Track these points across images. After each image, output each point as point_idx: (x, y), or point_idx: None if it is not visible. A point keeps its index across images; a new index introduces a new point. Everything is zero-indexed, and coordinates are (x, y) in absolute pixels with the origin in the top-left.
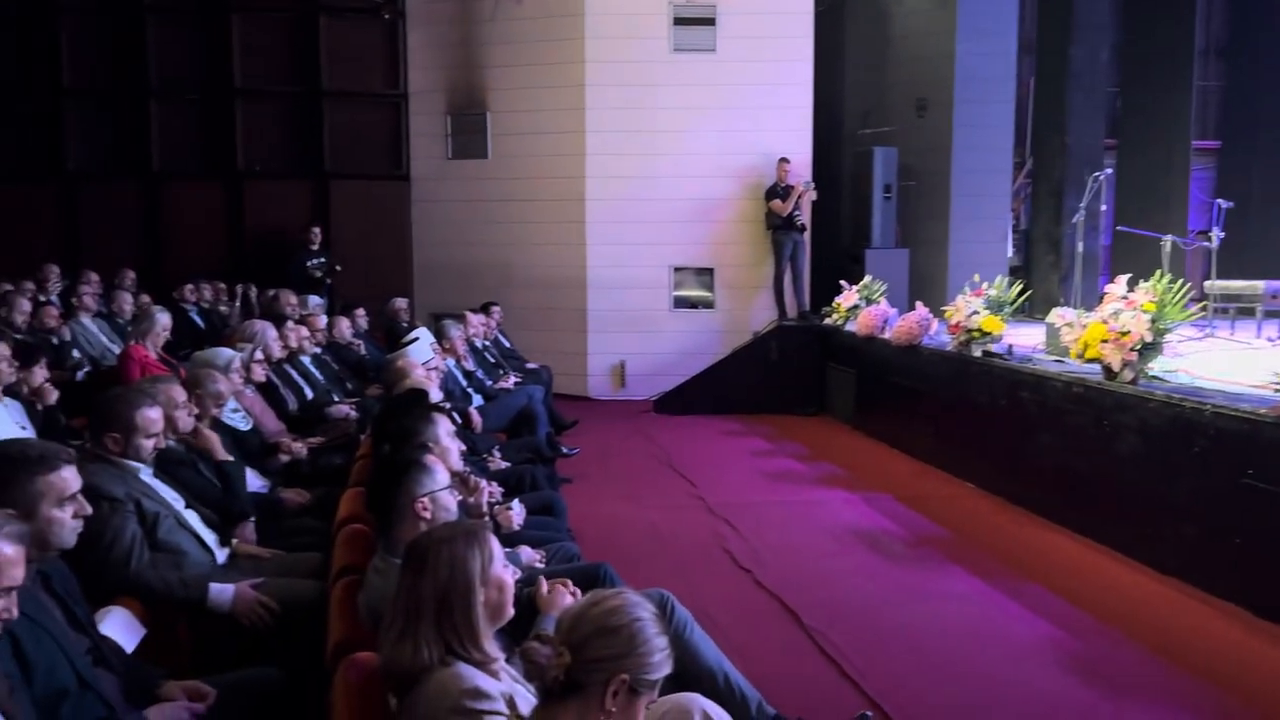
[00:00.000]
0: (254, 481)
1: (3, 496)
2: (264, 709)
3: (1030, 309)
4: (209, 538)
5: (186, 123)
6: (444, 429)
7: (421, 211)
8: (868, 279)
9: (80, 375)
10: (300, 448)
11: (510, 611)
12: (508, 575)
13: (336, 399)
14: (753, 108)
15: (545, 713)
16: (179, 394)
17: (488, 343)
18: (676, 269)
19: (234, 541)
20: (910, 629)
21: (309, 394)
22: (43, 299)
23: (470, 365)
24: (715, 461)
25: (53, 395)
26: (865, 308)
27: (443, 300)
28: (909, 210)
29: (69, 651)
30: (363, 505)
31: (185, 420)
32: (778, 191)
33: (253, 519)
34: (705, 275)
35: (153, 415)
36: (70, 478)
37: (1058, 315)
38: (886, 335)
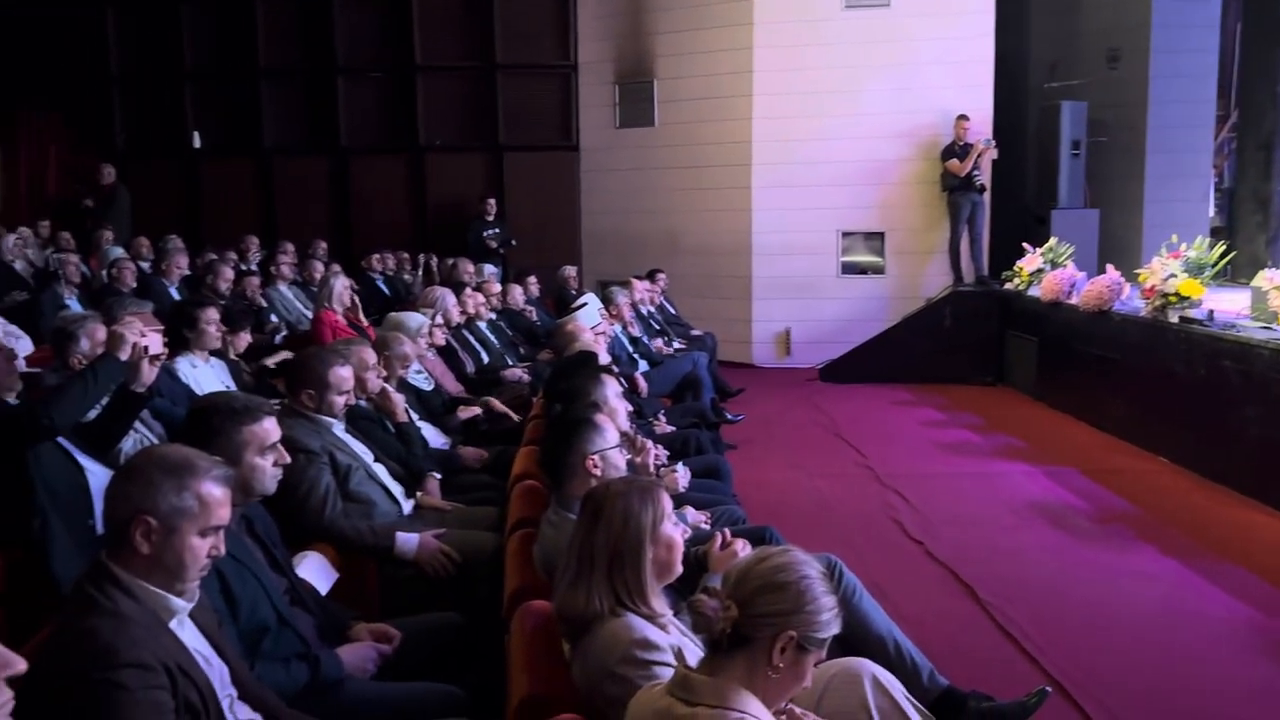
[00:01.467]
0: (435, 439)
1: (211, 444)
2: (446, 652)
3: (1233, 272)
4: (396, 490)
5: (371, 99)
6: (612, 390)
7: (590, 181)
8: (1053, 241)
9: (278, 339)
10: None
11: (678, 570)
12: (677, 534)
13: (510, 363)
14: (929, 63)
15: (713, 665)
16: (369, 356)
17: (653, 309)
18: (845, 234)
19: (418, 495)
20: (1097, 608)
21: (485, 358)
22: (244, 268)
23: (636, 331)
24: (884, 431)
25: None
26: (1050, 272)
27: (610, 268)
28: (1099, 168)
29: (270, 590)
30: (535, 463)
31: (374, 382)
32: (955, 150)
33: (437, 475)
34: (875, 240)
35: (344, 373)
36: (271, 428)
37: (1265, 278)
38: (1073, 300)
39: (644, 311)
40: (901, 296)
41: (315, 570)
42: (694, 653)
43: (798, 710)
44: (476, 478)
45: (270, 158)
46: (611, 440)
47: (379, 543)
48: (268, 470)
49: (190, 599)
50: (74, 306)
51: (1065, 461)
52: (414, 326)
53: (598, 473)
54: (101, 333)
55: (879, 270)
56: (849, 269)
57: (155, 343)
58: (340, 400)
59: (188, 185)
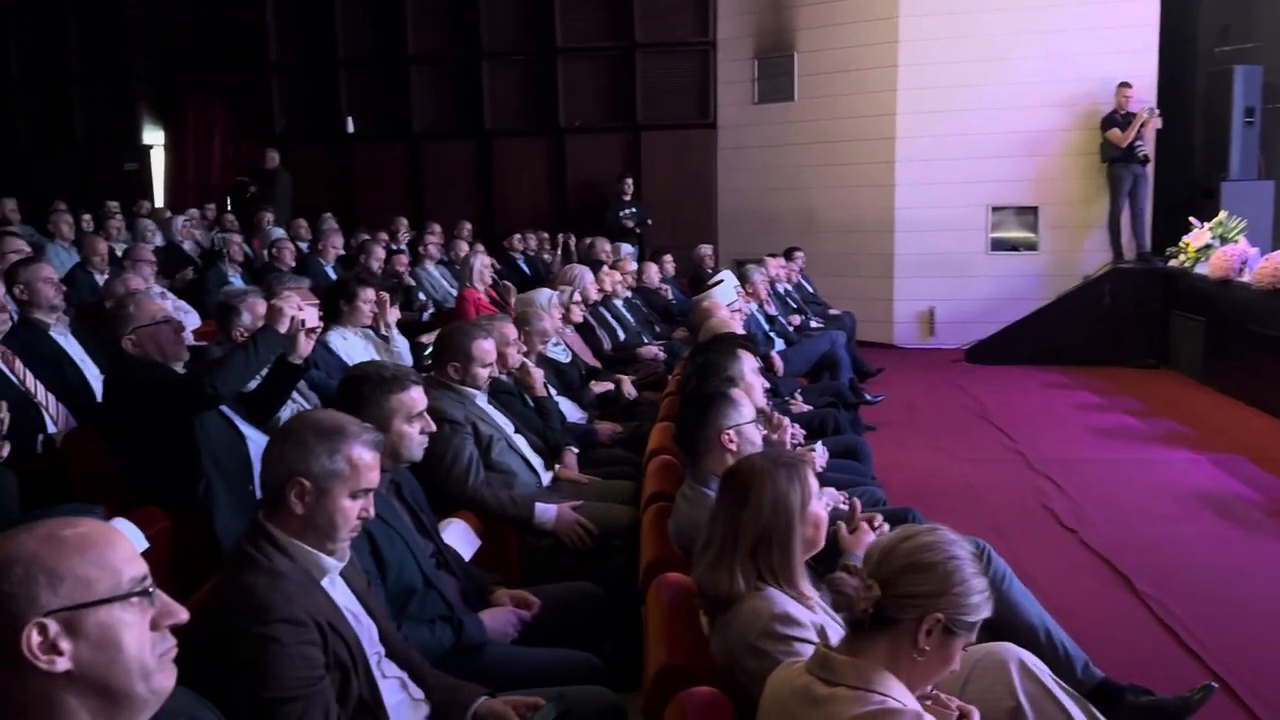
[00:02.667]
0: (573, 413)
1: (361, 411)
2: (583, 621)
3: None
4: (536, 462)
5: (513, 83)
6: (748, 365)
7: (727, 159)
8: (1223, 215)
9: (425, 316)
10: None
11: (821, 544)
12: (823, 510)
13: (646, 340)
14: (1089, 28)
15: (854, 645)
16: (511, 332)
17: (790, 287)
18: (995, 209)
19: (556, 467)
20: (1266, 603)
21: (621, 335)
22: (394, 248)
23: (772, 309)
24: (1035, 414)
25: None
26: (1219, 247)
27: (746, 247)
28: (1275, 137)
29: (417, 554)
30: (671, 438)
31: (515, 356)
32: (1116, 120)
33: (574, 449)
34: (1027, 215)
35: (487, 346)
36: (418, 396)
37: None
38: (1245, 278)
39: (781, 290)
40: (1056, 274)
41: (459, 536)
42: (837, 631)
43: (943, 695)
44: (612, 452)
45: (419, 141)
46: (747, 415)
47: (519, 512)
48: (414, 437)
49: (341, 559)
50: (237, 284)
51: (1233, 449)
52: (541, 301)
53: (733, 448)
54: (262, 307)
55: (1031, 246)
56: (999, 245)
57: (311, 316)
58: (484, 372)
59: (341, 169)
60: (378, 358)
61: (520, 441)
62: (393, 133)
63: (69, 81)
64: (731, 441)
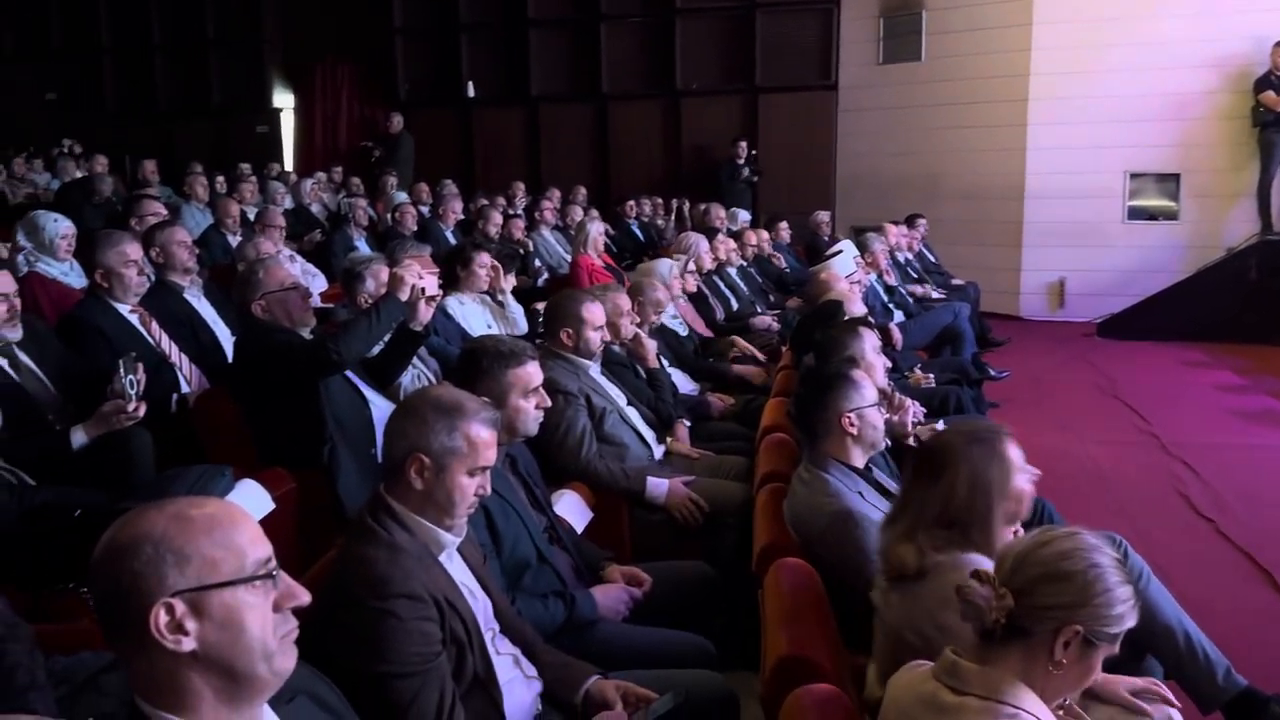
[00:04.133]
0: (685, 385)
1: (478, 385)
2: (695, 601)
3: None
4: (648, 435)
5: (631, 45)
6: (869, 343)
7: (847, 121)
8: None
9: (540, 282)
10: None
11: (1024, 516)
12: (1027, 483)
13: (759, 310)
14: None
15: (984, 654)
16: (624, 301)
17: (911, 256)
18: (1133, 175)
19: (668, 440)
20: None
21: (734, 305)
22: (511, 213)
23: (892, 280)
24: (1172, 394)
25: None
26: None
27: (865, 213)
28: None
29: (531, 528)
30: (784, 415)
31: (628, 327)
32: (1272, 82)
33: (686, 422)
34: (1168, 182)
35: (596, 309)
36: (534, 372)
37: None
38: None
39: (901, 259)
40: (1198, 245)
41: (572, 509)
42: None
43: (1076, 707)
44: (724, 426)
45: (537, 105)
46: (870, 398)
47: (631, 486)
48: (530, 412)
49: (459, 534)
50: (362, 247)
51: None
52: (664, 273)
53: (854, 431)
54: (385, 274)
55: (1172, 215)
56: (1136, 214)
57: (431, 284)
58: (595, 336)
59: (461, 133)
60: (494, 324)
61: (633, 414)
62: (512, 97)
63: (206, 47)
64: (852, 425)
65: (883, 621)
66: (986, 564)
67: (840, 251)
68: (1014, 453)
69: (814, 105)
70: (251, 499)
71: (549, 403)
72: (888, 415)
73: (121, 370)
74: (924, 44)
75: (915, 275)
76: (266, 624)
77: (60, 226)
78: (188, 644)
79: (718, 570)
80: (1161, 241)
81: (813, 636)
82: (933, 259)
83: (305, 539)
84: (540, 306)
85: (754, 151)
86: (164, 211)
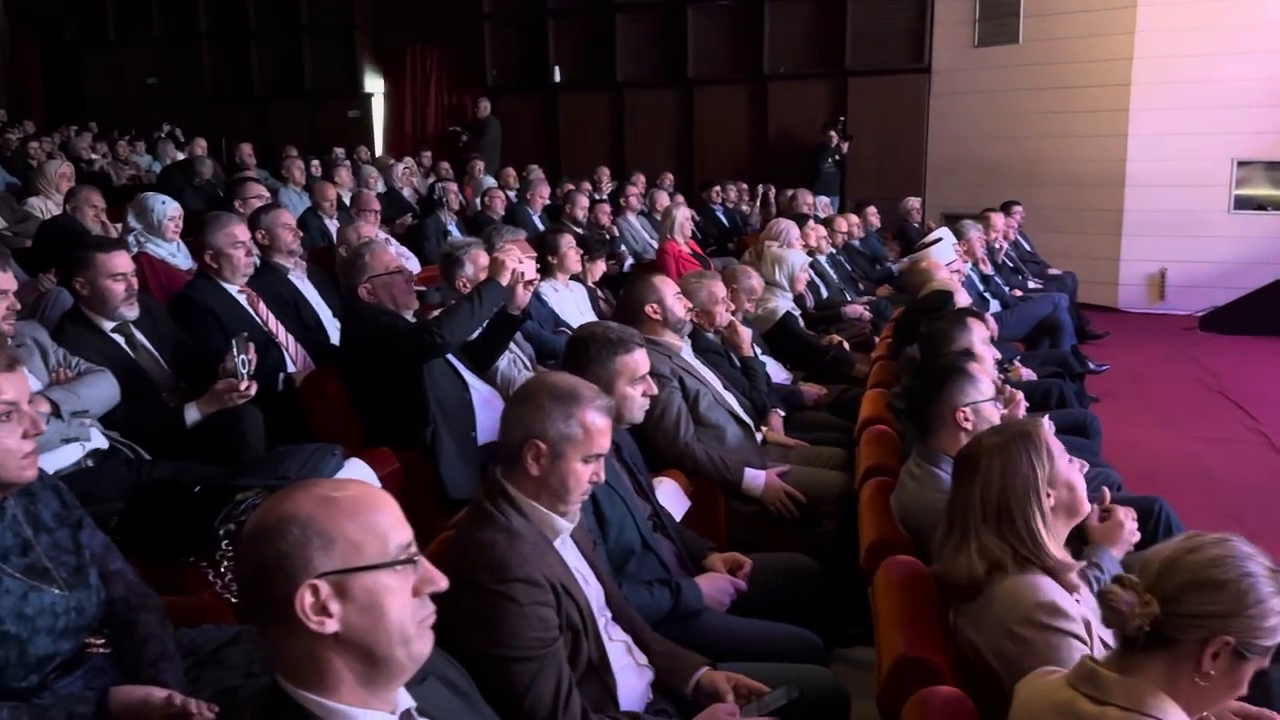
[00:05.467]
0: (778, 374)
1: (586, 371)
2: (796, 593)
3: None
4: (746, 418)
5: (718, 29)
6: (979, 335)
7: (939, 105)
8: None
9: (626, 267)
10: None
11: (1086, 509)
12: (1075, 471)
13: (849, 298)
14: None
15: (1125, 662)
16: (719, 289)
17: (1006, 245)
18: (1241, 163)
19: (764, 429)
20: None
21: (824, 293)
22: (597, 198)
23: (988, 269)
24: None
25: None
26: None
27: (956, 199)
28: None
29: (636, 515)
30: (885, 406)
31: (723, 314)
32: None
33: (781, 411)
34: (1277, 170)
35: (669, 281)
36: (642, 359)
37: None
38: None
39: (996, 247)
40: None
41: (670, 497)
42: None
43: None
44: (818, 416)
45: (622, 90)
46: (986, 392)
47: (728, 475)
48: (637, 400)
49: (573, 520)
50: (454, 231)
51: None
52: (797, 264)
53: (969, 426)
54: (484, 258)
55: None
56: (1244, 203)
57: (530, 268)
58: (679, 305)
59: (547, 118)
60: (588, 308)
61: (729, 397)
62: (597, 82)
63: (300, 32)
64: (967, 420)
65: (962, 640)
66: (1055, 592)
67: (939, 239)
68: (1052, 441)
69: (905, 89)
70: (359, 478)
71: (655, 390)
72: (1003, 410)
73: (234, 350)
74: (1021, 26)
75: (1012, 264)
76: (406, 608)
77: (168, 208)
78: (331, 626)
79: (821, 564)
80: (1269, 232)
81: (929, 637)
82: (1028, 247)
83: (408, 519)
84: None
85: (849, 138)
86: (266, 194)
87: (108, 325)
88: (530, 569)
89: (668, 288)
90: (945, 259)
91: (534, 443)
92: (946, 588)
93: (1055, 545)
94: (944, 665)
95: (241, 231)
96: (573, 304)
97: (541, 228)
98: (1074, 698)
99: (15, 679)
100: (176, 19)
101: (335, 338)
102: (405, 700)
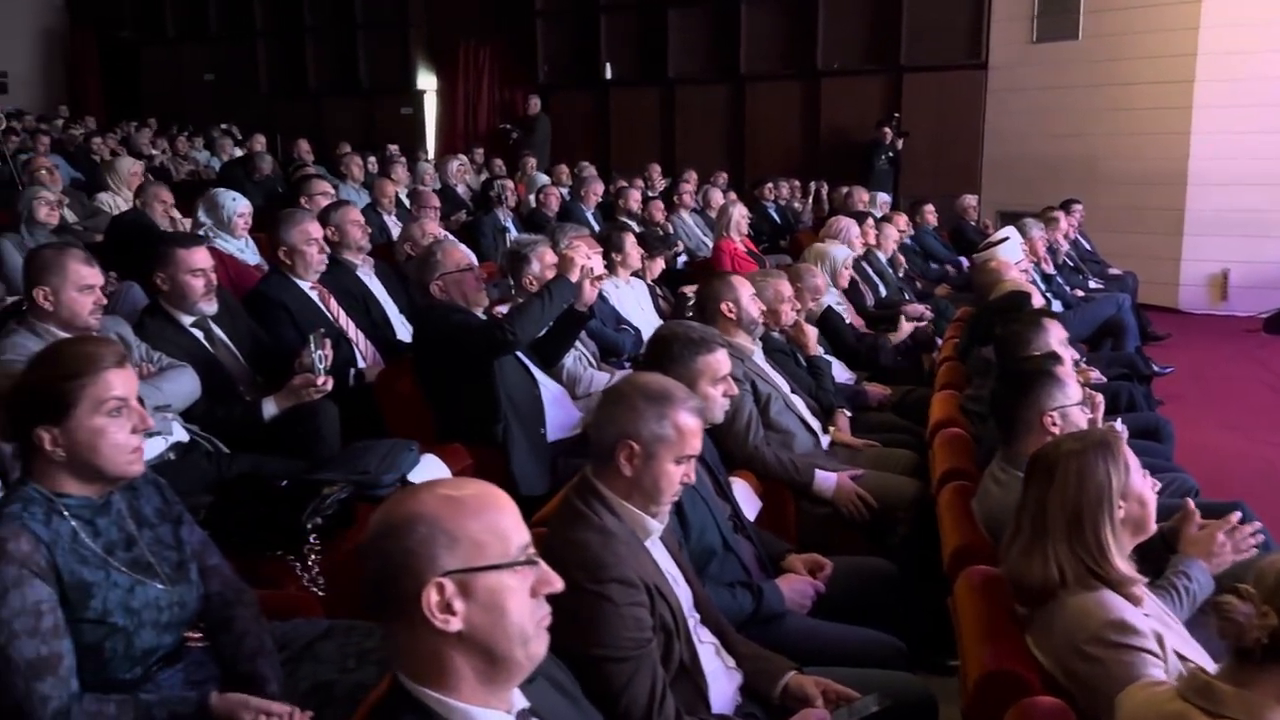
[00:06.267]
0: (841, 374)
1: (668, 371)
2: (875, 597)
3: None
4: (814, 424)
5: (771, 24)
6: (1057, 337)
7: (996, 102)
8: None
9: (679, 264)
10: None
11: (1152, 527)
12: (1148, 488)
13: (908, 297)
14: None
15: (1240, 675)
16: (785, 288)
17: (1066, 244)
18: None
19: (831, 429)
20: None
21: (882, 291)
22: (650, 194)
23: (1049, 268)
24: None
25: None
26: None
27: (1012, 197)
28: None
29: (717, 516)
30: (956, 408)
31: (789, 314)
32: None
33: (847, 412)
34: None
35: (745, 282)
36: (723, 359)
37: None
38: None
39: (1057, 246)
40: None
41: (742, 498)
42: (1175, 636)
43: None
44: (883, 417)
45: (673, 87)
46: (1074, 396)
47: (799, 477)
48: (718, 400)
49: (663, 521)
50: (511, 229)
51: None
52: (840, 259)
53: (1056, 430)
54: (550, 256)
55: None
56: None
57: (597, 265)
58: (754, 307)
59: (598, 115)
60: (649, 305)
61: (798, 402)
62: (648, 78)
63: (354, 29)
64: (1055, 424)
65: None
66: (1123, 608)
67: (1006, 239)
68: (1132, 456)
69: (961, 85)
70: (434, 474)
71: (735, 391)
72: (1089, 415)
73: (311, 345)
74: (1081, 21)
75: (1072, 264)
76: (525, 608)
77: (238, 205)
78: (455, 624)
79: (899, 569)
80: None
81: (1016, 649)
82: (1088, 246)
83: None
84: (689, 290)
85: (903, 134)
86: (332, 191)
87: (187, 320)
88: (625, 569)
89: (744, 288)
90: (1014, 258)
91: (627, 443)
92: (1016, 589)
93: (1121, 558)
94: (1033, 677)
95: (315, 228)
96: (634, 301)
97: (596, 225)
98: (1185, 709)
99: (121, 671)
100: (233, 16)
101: (401, 333)
102: (520, 700)
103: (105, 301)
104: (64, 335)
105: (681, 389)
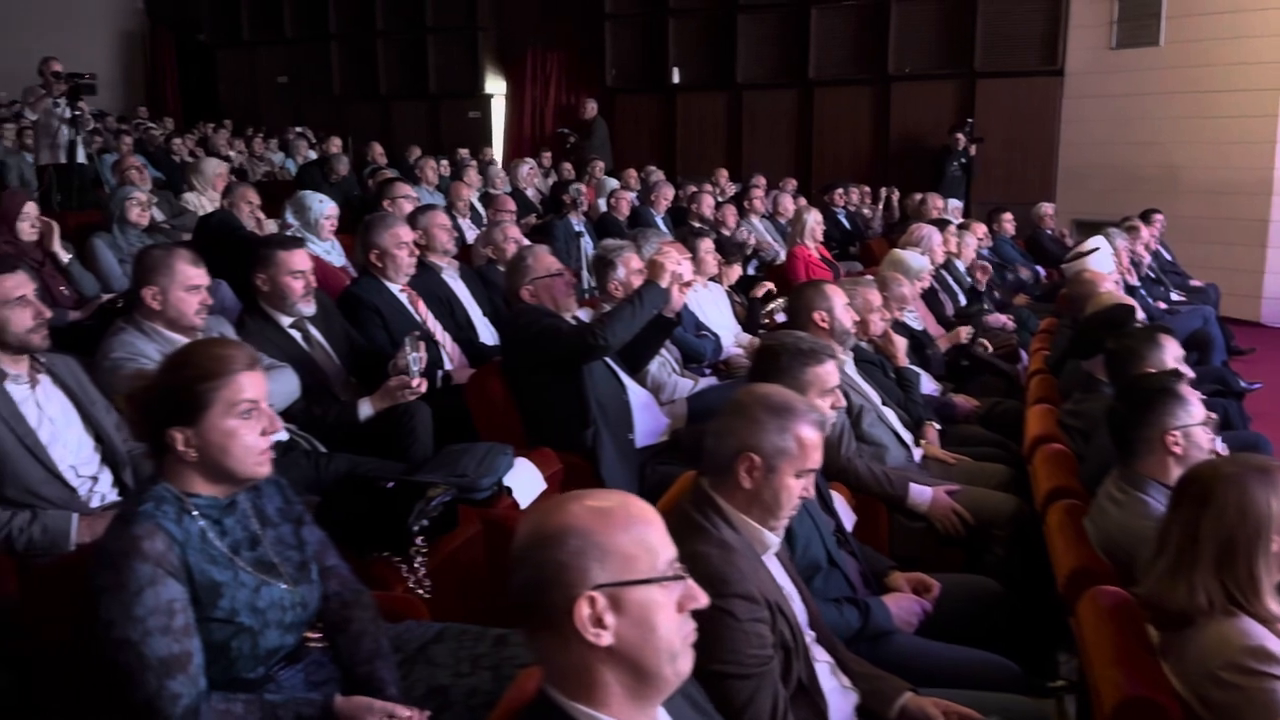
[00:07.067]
0: (926, 385)
1: (777, 382)
2: (981, 617)
3: None
4: (906, 436)
5: (842, 28)
6: (1172, 353)
7: (1072, 109)
8: None
9: (750, 270)
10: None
11: None
12: None
13: (988, 307)
14: None
15: None
16: (875, 297)
17: (1148, 255)
18: None
19: (922, 442)
20: None
21: (962, 300)
22: (720, 200)
23: (1134, 280)
24: None
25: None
26: None
27: (1089, 207)
28: None
29: (822, 529)
30: (1055, 423)
31: (878, 323)
32: None
33: (937, 425)
34: None
35: (839, 291)
36: (833, 371)
37: None
38: None
39: (1139, 258)
40: None
41: (838, 511)
42: None
43: None
44: (971, 430)
45: (741, 92)
46: (1197, 415)
47: (893, 491)
48: (826, 412)
49: (779, 536)
50: (583, 233)
51: None
52: (915, 267)
53: (1178, 451)
54: (636, 261)
55: None
56: None
57: (686, 270)
58: (848, 317)
59: (664, 119)
60: (727, 311)
61: (890, 414)
62: (716, 82)
63: (424, 33)
64: (1177, 444)
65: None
66: (1265, 636)
67: (1096, 249)
68: None
69: (1037, 92)
70: (527, 478)
71: (844, 403)
72: (1212, 436)
73: (407, 348)
74: (1163, 28)
75: (1153, 276)
76: (672, 624)
77: (325, 208)
78: (606, 639)
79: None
80: None
81: (1152, 675)
82: (1169, 258)
83: None
84: (760, 293)
85: (977, 140)
86: (414, 194)
87: (285, 321)
88: (748, 584)
89: (838, 297)
90: (1106, 269)
91: (748, 455)
92: (1154, 612)
93: (1270, 593)
94: (1172, 705)
95: (406, 232)
96: (712, 306)
97: (667, 230)
98: None
99: (246, 670)
100: (308, 20)
101: (484, 336)
102: (663, 717)
103: (211, 301)
104: (170, 334)
105: (803, 401)
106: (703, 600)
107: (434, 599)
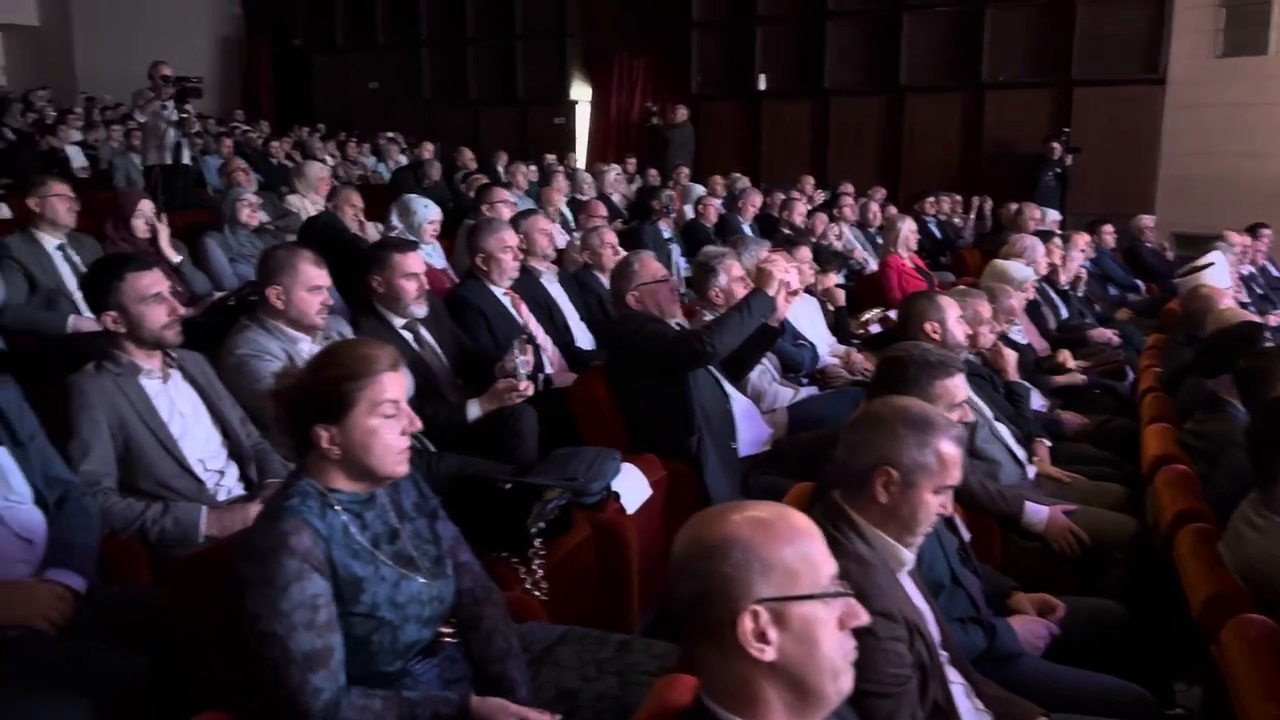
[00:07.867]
0: (1035, 401)
1: (907, 394)
2: (1103, 640)
3: None
4: (1020, 453)
5: (933, 34)
6: None
7: (1174, 119)
8: None
9: (840, 278)
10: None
11: None
12: None
13: (1090, 320)
14: None
15: None
16: (985, 309)
17: (1254, 270)
18: None
19: (1035, 460)
20: None
21: (1064, 314)
22: (809, 207)
23: (1244, 296)
24: None
25: (841, 297)
26: None
27: (1190, 219)
28: None
29: (946, 546)
30: (1175, 443)
31: (988, 336)
32: None
33: (1047, 442)
34: None
35: (953, 302)
36: (961, 384)
37: None
38: None
39: (1244, 273)
40: None
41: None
42: None
43: None
44: (1081, 448)
45: (828, 99)
46: None
47: (1007, 508)
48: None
49: (914, 553)
50: (672, 241)
51: None
52: (1019, 278)
53: None
54: (737, 269)
55: None
56: None
57: (794, 279)
58: (960, 330)
59: (749, 126)
60: (820, 320)
61: (1003, 430)
62: (802, 89)
63: (513, 39)
64: None
65: None
66: None
67: (1212, 264)
68: None
69: (1137, 100)
70: (634, 483)
71: (971, 417)
72: None
73: (514, 351)
74: (1272, 36)
75: (1260, 291)
76: (834, 641)
77: (429, 213)
78: (769, 654)
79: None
80: None
81: None
82: (1276, 273)
83: (668, 529)
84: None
85: (1073, 150)
86: (512, 200)
87: (398, 322)
88: (887, 601)
89: (951, 309)
90: (1223, 284)
91: (885, 469)
92: None
93: None
94: None
95: (511, 237)
96: (806, 316)
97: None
98: None
99: (385, 664)
100: (400, 26)
101: (581, 340)
102: None
103: (332, 302)
104: (293, 332)
105: (943, 416)
106: (864, 618)
107: (549, 601)
